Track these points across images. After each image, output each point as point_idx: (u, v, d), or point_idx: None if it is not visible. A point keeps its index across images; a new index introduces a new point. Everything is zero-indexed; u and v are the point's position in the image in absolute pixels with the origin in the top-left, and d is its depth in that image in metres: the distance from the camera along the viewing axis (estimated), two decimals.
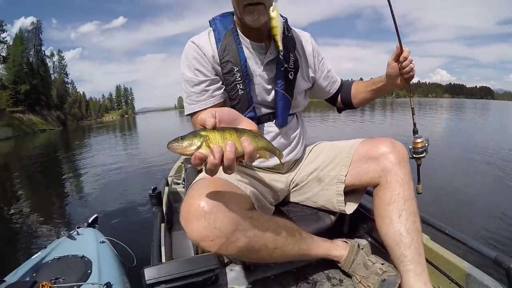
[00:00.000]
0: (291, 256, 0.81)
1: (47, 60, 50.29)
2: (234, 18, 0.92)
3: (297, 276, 0.90)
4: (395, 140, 0.90)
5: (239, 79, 0.86)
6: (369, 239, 1.06)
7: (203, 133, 0.55)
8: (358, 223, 1.09)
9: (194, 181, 0.81)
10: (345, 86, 1.11)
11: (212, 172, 0.55)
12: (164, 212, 1.24)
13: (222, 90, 0.89)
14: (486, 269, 0.82)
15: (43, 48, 47.16)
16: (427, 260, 0.90)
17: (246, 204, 0.77)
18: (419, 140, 0.96)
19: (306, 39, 1.01)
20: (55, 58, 55.88)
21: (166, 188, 1.58)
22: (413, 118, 1.03)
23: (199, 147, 0.53)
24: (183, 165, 1.70)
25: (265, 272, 0.89)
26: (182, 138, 0.55)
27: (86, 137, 18.30)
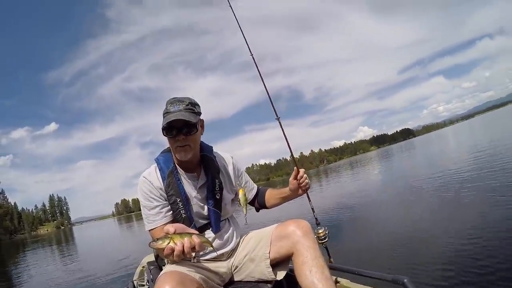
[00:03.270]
0: None
1: None
2: (173, 155, 1.25)
3: None
4: (299, 219, 1.23)
5: (181, 206, 1.19)
6: None
7: (169, 235, 0.97)
8: (293, 284, 1.33)
9: (159, 275, 1.06)
10: (261, 192, 1.49)
11: (178, 257, 0.96)
12: None
13: (171, 212, 1.21)
14: None
15: None
16: None
17: (197, 287, 1.05)
18: (321, 231, 1.34)
19: (228, 161, 1.37)
20: None
21: None
22: (314, 214, 1.41)
23: (169, 243, 0.96)
24: (144, 268, 2.09)
25: None
26: (158, 239, 0.97)
27: (24, 253, 16.83)
